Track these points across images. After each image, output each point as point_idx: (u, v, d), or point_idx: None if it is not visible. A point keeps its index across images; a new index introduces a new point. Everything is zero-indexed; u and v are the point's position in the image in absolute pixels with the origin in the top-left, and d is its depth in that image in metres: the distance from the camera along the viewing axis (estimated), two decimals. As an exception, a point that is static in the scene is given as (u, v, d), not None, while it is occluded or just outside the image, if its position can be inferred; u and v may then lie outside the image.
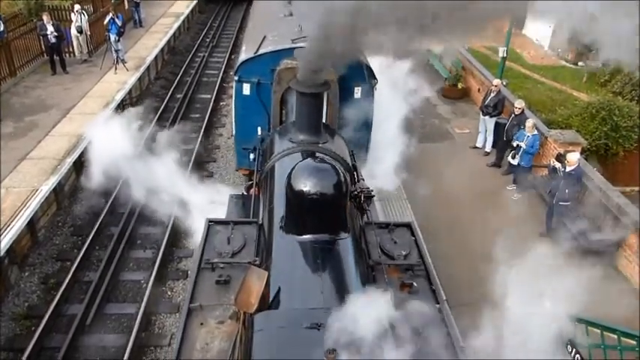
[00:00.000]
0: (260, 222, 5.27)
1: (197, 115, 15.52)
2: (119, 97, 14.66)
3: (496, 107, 12.29)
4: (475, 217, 10.01)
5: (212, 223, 5.24)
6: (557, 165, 9.33)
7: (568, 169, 9.23)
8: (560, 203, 9.47)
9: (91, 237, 9.70)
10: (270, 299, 4.00)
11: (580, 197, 10.24)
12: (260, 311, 3.73)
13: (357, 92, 8.32)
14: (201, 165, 12.55)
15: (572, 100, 15.55)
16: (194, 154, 12.40)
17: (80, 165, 11.69)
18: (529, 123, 10.88)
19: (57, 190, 10.57)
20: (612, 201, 9.47)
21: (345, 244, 4.42)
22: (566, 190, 9.33)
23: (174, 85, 17.37)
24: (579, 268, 9.47)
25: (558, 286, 8.82)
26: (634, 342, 5.22)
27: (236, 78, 8.43)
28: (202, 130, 13.98)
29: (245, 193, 7.30)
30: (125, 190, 11.25)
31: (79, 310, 8.11)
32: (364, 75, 8.15)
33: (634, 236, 8.95)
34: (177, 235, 9.94)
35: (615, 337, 5.34)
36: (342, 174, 4.33)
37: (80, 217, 10.63)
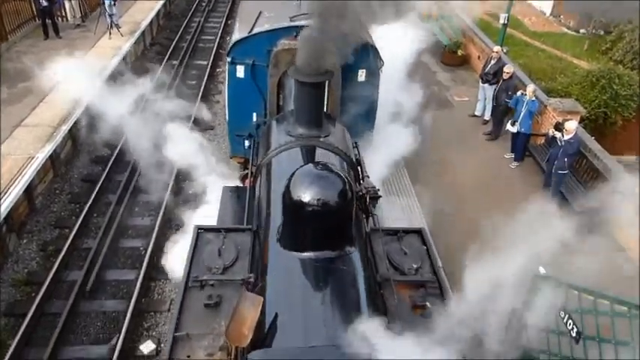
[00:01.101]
0: (254, 228, 4.77)
1: (193, 82, 15.35)
2: (114, 63, 14.44)
3: (496, 75, 12.18)
4: (472, 185, 10.04)
5: (201, 231, 4.74)
6: (557, 134, 9.31)
7: (566, 137, 9.21)
8: (559, 172, 9.50)
9: (88, 204, 9.72)
10: (266, 328, 3.57)
11: (577, 166, 10.27)
12: (254, 344, 3.33)
13: (362, 75, 7.65)
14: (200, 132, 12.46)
15: (573, 68, 15.40)
16: (191, 119, 12.31)
17: (76, 132, 11.62)
18: (530, 88, 10.81)
19: (53, 158, 10.52)
20: (609, 169, 9.50)
21: (351, 261, 3.97)
22: (565, 159, 9.35)
23: (169, 50, 17.12)
24: (575, 236, 9.56)
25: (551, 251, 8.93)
26: (625, 309, 5.30)
27: (229, 59, 7.71)
28: (199, 97, 13.85)
29: (239, 185, 6.97)
30: (121, 158, 11.26)
31: (79, 277, 8.20)
32: (369, 56, 7.55)
33: (628, 204, 9.00)
34: (176, 202, 9.94)
35: (608, 303, 5.42)
36: (347, 182, 3.86)
37: (77, 184, 10.63)
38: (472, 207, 9.24)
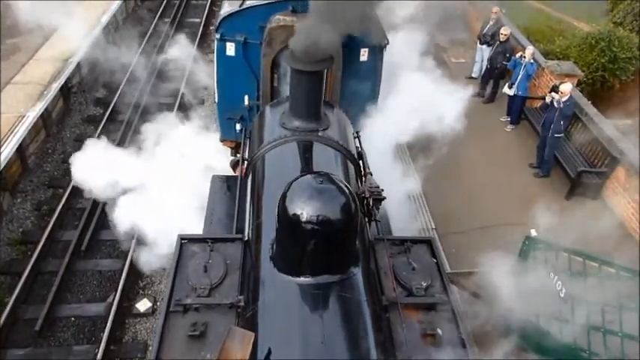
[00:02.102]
0: (245, 238, 4.24)
1: (187, 41, 15.02)
2: (104, 20, 14.09)
3: (494, 36, 11.99)
4: (468, 148, 10.02)
5: (185, 242, 4.22)
6: (555, 97, 9.25)
7: (562, 99, 9.18)
8: (555, 135, 9.51)
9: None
10: None
11: (573, 130, 10.26)
12: None
13: (364, 55, 7.01)
14: (193, 92, 12.31)
15: (572, 30, 15.17)
16: (185, 75, 12.13)
17: (67, 91, 11.43)
18: (529, 50, 10.68)
19: (44, 117, 10.38)
20: (604, 133, 9.49)
21: (355, 285, 3.54)
22: (562, 122, 9.34)
23: (161, 8, 16.69)
24: (568, 200, 9.65)
25: (545, 215, 9.02)
26: (613, 270, 5.40)
27: (217, 36, 7.05)
28: (192, 57, 13.59)
29: (230, 175, 6.54)
30: (114, 117, 11.13)
31: (74, 237, 8.23)
32: (373, 34, 6.83)
33: (622, 168, 9.05)
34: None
35: (596, 265, 5.52)
36: (351, 196, 3.36)
37: (70, 144, 10.54)
38: (465, 172, 9.25)
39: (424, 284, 3.98)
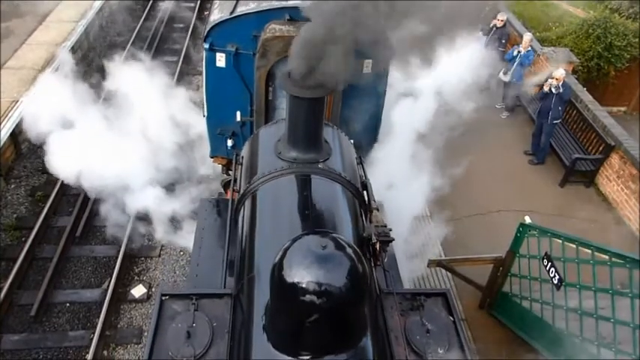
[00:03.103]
0: (234, 292, 3.70)
1: (180, 26, 14.89)
2: (98, 4, 13.92)
3: (500, 40, 11.65)
4: (462, 136, 10.02)
5: (166, 298, 3.68)
6: (554, 82, 9.25)
7: (554, 83, 9.22)
8: (554, 122, 9.55)
9: (76, 150, 9.61)
10: None
11: (567, 117, 10.28)
12: None
13: (367, 66, 6.25)
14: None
15: (568, 16, 15.11)
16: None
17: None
18: (526, 37, 10.65)
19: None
20: (599, 121, 9.52)
21: (363, 356, 3.08)
22: (559, 108, 9.41)
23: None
24: (562, 187, 9.69)
25: (540, 199, 9.05)
26: (606, 257, 5.44)
27: (206, 45, 6.42)
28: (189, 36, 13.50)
29: (220, 197, 5.89)
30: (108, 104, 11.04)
31: (68, 223, 8.21)
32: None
33: (616, 155, 9.10)
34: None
35: (589, 252, 5.56)
36: (360, 261, 2.87)
37: (64, 130, 10.47)
38: (460, 159, 9.24)
39: (441, 351, 3.50)
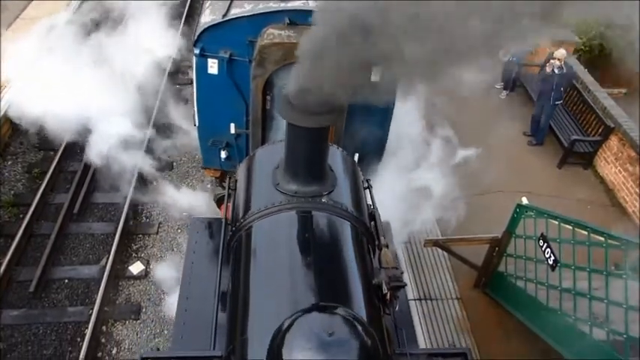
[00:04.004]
0: (224, 354, 3.30)
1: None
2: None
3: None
4: (461, 115, 9.99)
5: None
6: (556, 63, 9.17)
7: (557, 64, 9.15)
8: (556, 102, 9.53)
9: (73, 127, 9.56)
10: None
11: (568, 98, 10.23)
12: None
13: (376, 74, 5.15)
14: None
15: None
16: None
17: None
18: None
19: (34, 78, 10.19)
20: (599, 102, 9.47)
21: None
22: (561, 89, 9.38)
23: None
24: (560, 169, 9.71)
25: (538, 180, 9.07)
26: (602, 238, 5.47)
27: (196, 51, 5.89)
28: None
29: (212, 217, 5.33)
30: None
31: (66, 199, 8.20)
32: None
33: (615, 137, 9.08)
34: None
35: (585, 233, 5.59)
36: (374, 346, 2.55)
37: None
38: (458, 139, 9.23)
39: None
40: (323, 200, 3.72)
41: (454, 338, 6.53)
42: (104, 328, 6.81)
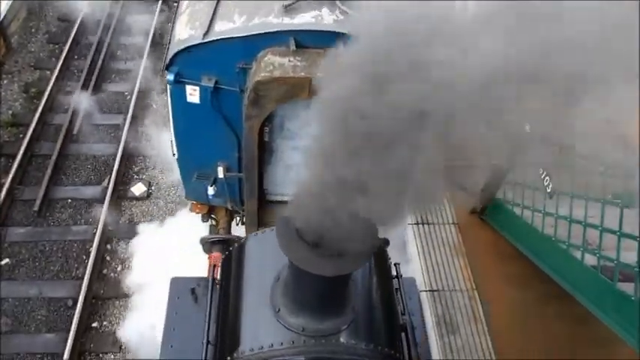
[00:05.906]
0: None
1: None
2: None
3: None
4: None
5: None
6: None
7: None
8: None
9: (68, 45, 9.29)
10: None
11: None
12: None
13: None
14: None
15: None
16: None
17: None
18: None
19: (24, -8, 9.79)
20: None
21: None
22: None
23: None
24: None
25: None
26: (602, 168, 5.46)
27: (170, 77, 4.43)
28: None
29: (196, 279, 3.87)
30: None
31: (65, 120, 8.14)
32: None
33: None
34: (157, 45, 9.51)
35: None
36: None
37: (54, 23, 10.05)
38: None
39: None
40: (341, 340, 2.72)
41: (449, 260, 6.71)
42: (109, 246, 6.99)
